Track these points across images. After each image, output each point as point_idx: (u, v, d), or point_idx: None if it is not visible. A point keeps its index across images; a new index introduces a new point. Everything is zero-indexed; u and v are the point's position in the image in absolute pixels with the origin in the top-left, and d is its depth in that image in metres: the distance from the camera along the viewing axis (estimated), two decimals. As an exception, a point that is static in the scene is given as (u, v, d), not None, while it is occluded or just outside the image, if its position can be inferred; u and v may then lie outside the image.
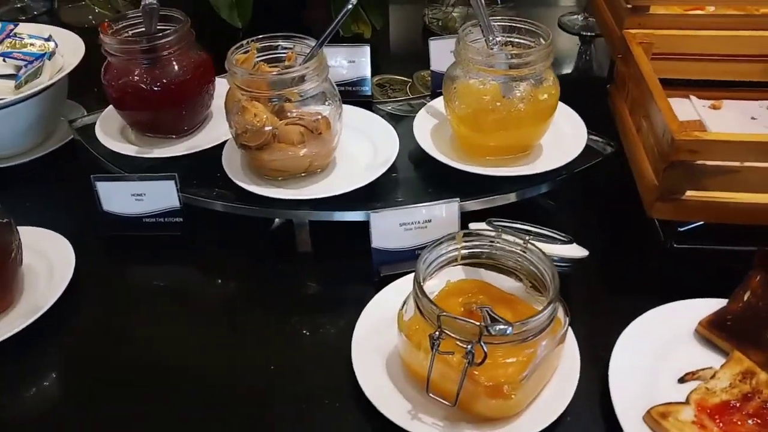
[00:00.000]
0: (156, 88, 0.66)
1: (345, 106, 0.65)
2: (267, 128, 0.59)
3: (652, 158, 0.55)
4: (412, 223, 0.58)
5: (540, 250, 0.48)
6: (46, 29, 0.86)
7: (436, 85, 0.75)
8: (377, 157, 0.65)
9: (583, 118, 0.69)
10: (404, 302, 0.49)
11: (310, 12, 1.19)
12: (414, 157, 0.68)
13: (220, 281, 0.64)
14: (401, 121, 0.75)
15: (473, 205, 0.61)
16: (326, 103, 0.61)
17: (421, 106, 0.77)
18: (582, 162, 0.64)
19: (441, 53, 0.74)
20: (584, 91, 0.90)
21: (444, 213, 0.58)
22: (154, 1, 0.63)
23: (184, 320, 0.59)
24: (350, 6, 0.56)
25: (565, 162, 0.62)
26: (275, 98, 0.59)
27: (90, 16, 1.18)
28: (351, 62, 0.75)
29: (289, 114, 0.60)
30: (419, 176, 0.66)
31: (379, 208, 0.59)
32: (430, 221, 0.58)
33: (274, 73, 0.59)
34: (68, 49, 0.82)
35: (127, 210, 0.65)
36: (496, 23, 0.63)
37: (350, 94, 0.76)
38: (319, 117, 0.60)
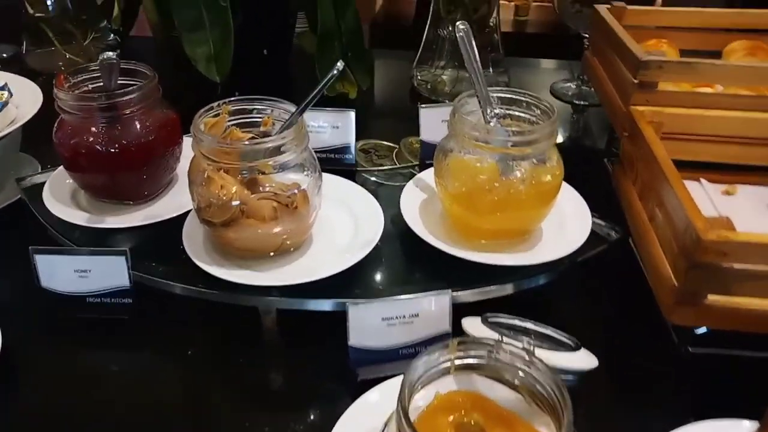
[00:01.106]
0: (113, 150, 0.59)
1: (325, 176, 0.59)
2: (234, 203, 0.51)
3: (670, 255, 0.49)
4: (397, 317, 0.50)
5: (546, 366, 0.41)
6: (2, 76, 0.79)
7: (426, 155, 0.69)
8: (359, 235, 0.58)
9: (581, 194, 0.63)
10: (386, 423, 0.41)
11: (293, 68, 1.14)
12: (400, 237, 0.61)
13: (173, 370, 0.55)
14: (387, 192, 0.69)
15: (466, 296, 0.54)
16: (304, 173, 0.55)
17: (408, 176, 0.71)
18: (585, 249, 0.58)
19: (432, 122, 0.68)
20: (581, 165, 0.84)
21: (433, 306, 0.51)
22: (113, 56, 0.56)
23: (130, 415, 0.50)
24: (335, 72, 0.49)
25: (569, 252, 0.55)
26: (246, 170, 0.52)
27: (60, 63, 1.11)
28: (334, 128, 0.68)
29: (261, 187, 0.53)
30: (405, 260, 0.59)
31: (357, 297, 0.51)
32: (417, 315, 0.51)
33: (246, 142, 0.52)
34: (25, 99, 0.75)
35: (70, 287, 0.56)
36: (494, 94, 0.58)
37: (332, 161, 0.69)
38: (296, 191, 0.53)
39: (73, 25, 1.12)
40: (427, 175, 0.65)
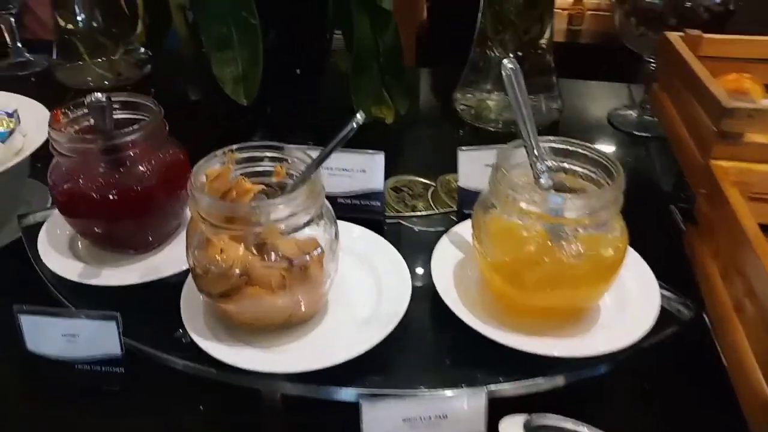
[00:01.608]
0: (112, 197, 0.53)
1: (348, 226, 0.51)
2: (236, 271, 0.44)
3: (762, 359, 0.39)
4: (421, 418, 0.42)
5: None
6: (14, 99, 0.75)
7: (465, 203, 0.61)
8: (382, 303, 0.50)
9: (643, 249, 0.53)
10: None
11: (328, 88, 1.07)
12: (429, 307, 0.52)
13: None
14: (419, 243, 0.61)
15: (506, 390, 0.45)
16: (320, 228, 0.47)
17: (445, 223, 0.63)
18: (652, 331, 0.48)
19: (473, 167, 0.60)
20: (642, 211, 0.75)
21: (465, 405, 0.42)
22: (102, 98, 0.50)
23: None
24: (354, 126, 0.42)
25: (634, 339, 0.46)
26: (251, 235, 0.44)
27: (89, 78, 1.07)
28: (361, 171, 0.60)
29: (267, 250, 0.45)
30: (434, 338, 0.50)
31: (373, 386, 0.43)
32: (445, 417, 0.42)
33: (253, 203, 0.45)
34: (34, 124, 0.69)
35: (57, 352, 0.50)
36: (545, 143, 0.49)
37: (356, 208, 0.61)
38: (308, 257, 0.45)
39: (103, 39, 1.07)
40: (465, 229, 0.57)
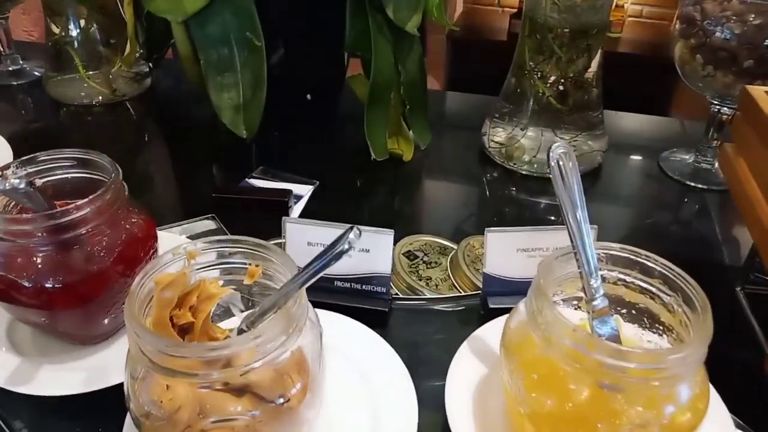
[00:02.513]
0: (54, 285, 0.42)
1: (345, 322, 0.40)
2: (185, 417, 0.33)
3: None
4: None
5: None
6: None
7: (490, 294, 0.49)
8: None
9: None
10: None
11: (341, 118, 0.96)
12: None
13: None
14: (430, 337, 0.50)
15: None
16: (301, 352, 0.36)
17: (466, 312, 0.52)
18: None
19: (503, 249, 0.48)
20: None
21: None
22: (19, 185, 0.39)
23: None
24: (346, 246, 0.31)
25: None
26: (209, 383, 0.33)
27: (82, 93, 0.98)
28: (364, 251, 0.49)
29: (231, 390, 0.35)
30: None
31: None
32: None
33: (210, 346, 0.33)
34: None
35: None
36: (603, 250, 0.37)
37: (357, 294, 0.50)
38: (281, 401, 0.35)
39: (99, 50, 0.98)
40: (489, 333, 0.45)
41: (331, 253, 0.31)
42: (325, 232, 0.48)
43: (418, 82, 0.84)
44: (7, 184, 0.38)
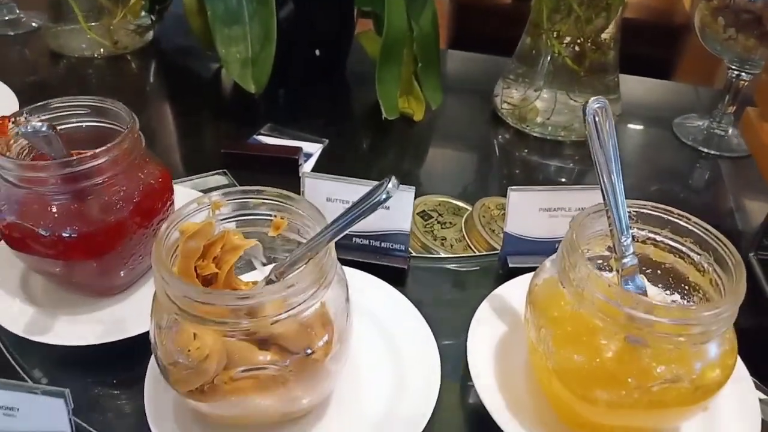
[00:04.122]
0: (70, 235, 0.41)
1: (363, 280, 0.40)
2: (213, 366, 0.33)
3: None
4: None
5: None
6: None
7: (510, 253, 0.49)
8: (401, 399, 0.39)
9: None
10: None
11: (351, 75, 0.94)
12: (460, 401, 0.41)
13: None
14: (447, 296, 0.50)
15: None
16: (328, 306, 0.36)
17: (484, 271, 0.51)
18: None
19: (525, 209, 0.47)
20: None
21: None
22: (41, 127, 0.38)
23: None
24: (384, 195, 0.30)
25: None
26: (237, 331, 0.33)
27: (83, 45, 0.95)
28: (384, 208, 0.48)
29: (258, 341, 0.34)
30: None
31: None
32: None
33: (238, 295, 0.33)
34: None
35: (-8, 426, 0.40)
36: (636, 208, 0.37)
37: (375, 251, 0.49)
38: (309, 351, 0.34)
39: (101, 1, 0.95)
40: (510, 292, 0.45)
41: (368, 203, 0.30)
42: (345, 188, 0.47)
43: (432, 39, 0.82)
44: (29, 126, 0.36)
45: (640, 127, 0.85)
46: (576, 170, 0.76)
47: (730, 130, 0.79)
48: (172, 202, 0.47)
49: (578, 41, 0.76)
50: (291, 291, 0.31)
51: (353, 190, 0.46)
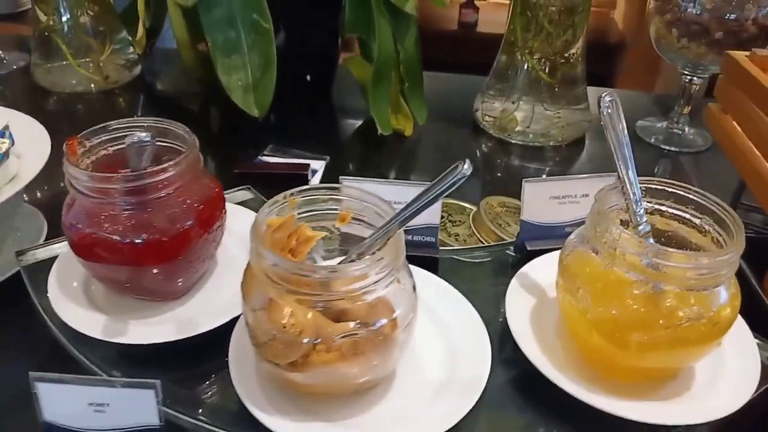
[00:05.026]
0: (139, 242, 0.45)
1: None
2: (305, 340, 0.38)
3: None
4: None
5: None
6: (3, 114, 0.66)
7: (527, 237, 0.55)
8: (456, 367, 0.44)
9: None
10: None
11: (338, 97, 1.00)
12: (507, 367, 0.46)
13: None
14: (476, 281, 0.55)
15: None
16: (399, 286, 0.41)
17: (502, 258, 0.57)
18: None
19: (539, 200, 0.54)
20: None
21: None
22: (146, 137, 0.42)
23: None
24: (462, 176, 0.35)
25: (740, 401, 0.41)
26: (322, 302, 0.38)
27: (73, 81, 0.98)
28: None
29: (337, 316, 0.39)
30: (518, 404, 0.45)
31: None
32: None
33: (331, 269, 0.38)
34: (29, 144, 0.61)
35: (81, 423, 0.43)
36: (643, 185, 0.44)
37: (409, 244, 0.55)
38: (384, 322, 0.39)
39: (88, 38, 0.98)
40: (534, 270, 0.52)
41: (445, 184, 0.36)
42: (385, 189, 0.51)
43: (416, 60, 0.89)
44: (135, 137, 0.41)
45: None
46: (557, 171, 0.83)
47: (686, 129, 0.89)
48: (225, 210, 0.51)
49: (549, 56, 0.84)
50: (379, 264, 0.36)
51: (390, 190, 0.51)
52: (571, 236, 0.46)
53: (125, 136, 0.49)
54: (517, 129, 0.88)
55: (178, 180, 0.46)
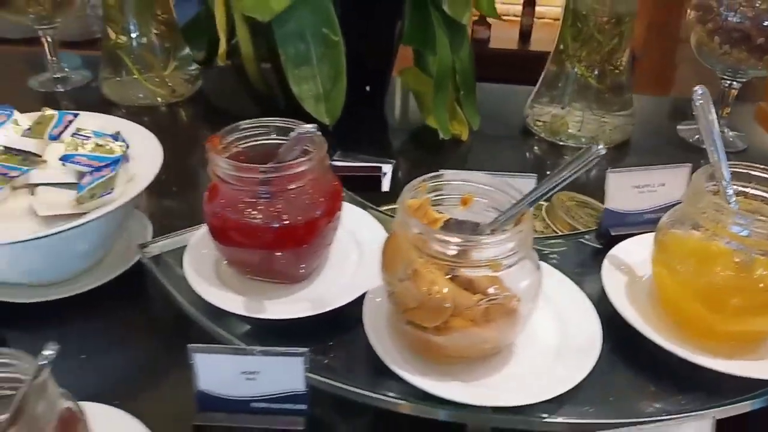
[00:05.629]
0: (276, 227, 0.50)
1: None
2: (447, 305, 0.43)
3: None
4: (654, 446, 0.41)
5: None
6: (112, 122, 0.71)
7: (611, 223, 0.61)
8: (568, 336, 0.49)
9: None
10: None
11: (392, 106, 1.06)
12: (614, 335, 0.51)
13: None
14: (567, 266, 0.60)
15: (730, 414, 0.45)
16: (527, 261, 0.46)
17: (582, 245, 0.62)
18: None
19: (623, 189, 0.60)
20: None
21: (693, 434, 0.42)
22: (312, 129, 0.48)
23: None
24: (598, 154, 0.40)
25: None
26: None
27: (140, 94, 1.03)
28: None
29: (471, 286, 0.44)
30: (627, 367, 0.49)
31: (591, 417, 0.43)
32: (674, 445, 0.42)
33: (482, 238, 0.43)
34: (139, 150, 0.66)
35: (231, 391, 0.48)
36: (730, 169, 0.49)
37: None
38: (513, 294, 0.44)
39: (154, 54, 1.04)
40: (623, 251, 0.57)
41: (581, 164, 0.41)
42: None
43: (470, 70, 0.95)
44: (301, 129, 0.46)
45: (652, 132, 1.00)
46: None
47: (726, 131, 0.95)
48: (341, 205, 0.56)
49: (598, 64, 0.90)
50: (518, 237, 0.41)
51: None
52: (664, 219, 0.51)
53: (254, 135, 0.54)
54: (569, 131, 0.93)
55: (310, 174, 0.51)
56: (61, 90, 1.10)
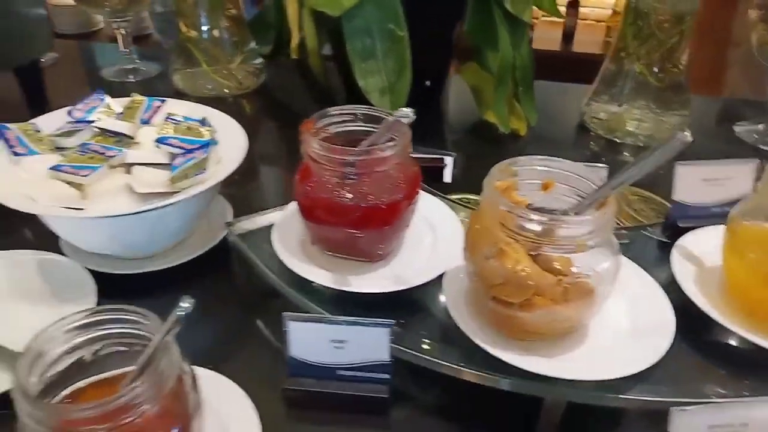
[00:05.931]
0: (364, 206, 0.54)
1: None
2: (530, 282, 0.46)
3: None
4: (728, 426, 0.43)
5: None
6: (197, 108, 0.76)
7: (678, 215, 0.62)
8: (640, 318, 0.52)
9: None
10: None
11: (449, 101, 1.09)
12: (686, 321, 0.53)
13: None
14: (629, 248, 0.62)
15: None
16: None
17: (645, 237, 0.64)
18: None
19: (691, 182, 0.61)
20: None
21: None
22: (410, 113, 0.51)
23: None
24: (682, 142, 0.43)
25: None
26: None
27: (209, 86, 1.08)
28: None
29: (551, 266, 0.47)
30: (702, 351, 0.52)
31: (672, 396, 0.45)
32: (746, 425, 0.44)
33: (569, 218, 0.46)
34: (223, 135, 0.71)
35: (320, 358, 0.51)
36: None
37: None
38: (592, 273, 0.47)
39: (223, 48, 1.08)
40: (690, 242, 0.59)
41: (666, 151, 0.43)
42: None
43: (529, 67, 0.97)
44: (401, 113, 0.49)
45: (708, 131, 1.01)
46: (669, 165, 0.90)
47: (784, 130, 0.96)
48: (419, 189, 0.59)
49: (657, 62, 0.92)
50: (604, 218, 0.44)
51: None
52: (735, 209, 0.53)
53: (342, 121, 0.58)
54: (627, 129, 0.95)
55: (395, 158, 0.54)
56: (133, 80, 1.16)
